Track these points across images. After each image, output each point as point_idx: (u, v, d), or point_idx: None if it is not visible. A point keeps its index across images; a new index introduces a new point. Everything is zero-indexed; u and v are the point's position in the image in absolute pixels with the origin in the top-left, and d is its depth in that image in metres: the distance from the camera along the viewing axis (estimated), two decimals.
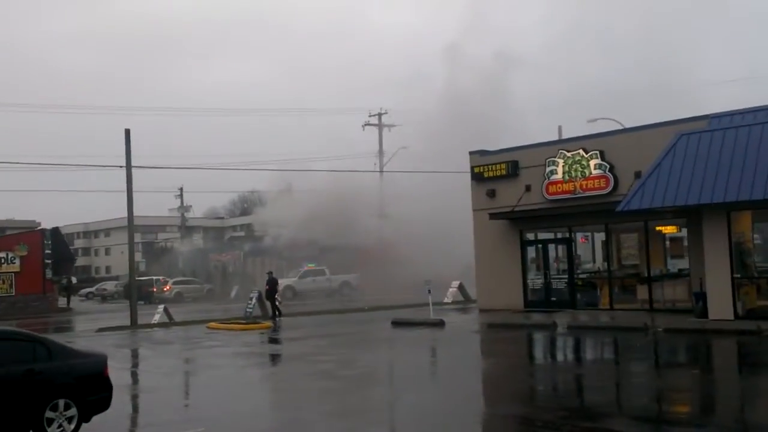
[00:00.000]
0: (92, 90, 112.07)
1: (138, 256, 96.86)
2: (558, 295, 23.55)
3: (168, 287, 50.44)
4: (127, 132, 28.84)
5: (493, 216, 24.44)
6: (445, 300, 34.04)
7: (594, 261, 24.11)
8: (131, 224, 29.05)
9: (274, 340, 21.24)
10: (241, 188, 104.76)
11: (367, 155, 55.82)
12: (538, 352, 17.40)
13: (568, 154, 22.93)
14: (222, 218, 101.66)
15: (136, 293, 49.91)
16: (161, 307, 28.34)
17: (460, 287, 34.84)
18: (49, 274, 40.48)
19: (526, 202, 24.09)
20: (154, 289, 50.09)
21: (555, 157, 23.25)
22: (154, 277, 53.26)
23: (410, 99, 70.06)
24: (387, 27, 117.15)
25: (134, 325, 26.78)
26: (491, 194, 25.29)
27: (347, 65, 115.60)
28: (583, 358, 16.36)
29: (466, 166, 28.98)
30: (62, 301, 44.07)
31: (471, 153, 26.33)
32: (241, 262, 55.18)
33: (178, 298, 46.36)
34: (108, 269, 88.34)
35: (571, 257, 23.42)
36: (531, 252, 24.74)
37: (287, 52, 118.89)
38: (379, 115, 57.63)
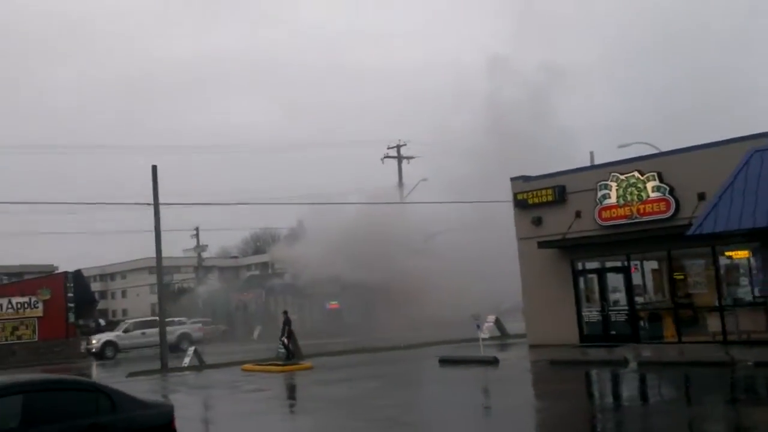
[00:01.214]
0: (97, 130, 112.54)
1: (154, 298, 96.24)
2: (618, 329, 22.03)
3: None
4: (154, 168, 27.99)
5: (542, 245, 23.13)
6: (481, 335, 32.58)
7: (648, 291, 22.60)
8: (159, 263, 27.98)
9: (320, 383, 19.78)
10: (254, 226, 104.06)
11: (387, 188, 54.93)
12: (621, 393, 15.73)
13: (622, 177, 21.71)
14: (236, 257, 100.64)
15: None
16: (191, 350, 27.00)
17: (497, 322, 33.41)
18: (71, 317, 39.49)
19: (577, 229, 22.79)
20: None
21: (607, 181, 22.03)
22: (175, 319, 52.05)
23: (436, 129, 69.44)
24: (405, 60, 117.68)
25: (165, 368, 25.43)
26: (537, 222, 24.03)
27: (366, 101, 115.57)
28: (679, 399, 14.57)
29: (500, 194, 27.88)
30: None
31: (513, 179, 25.16)
32: (263, 301, 53.89)
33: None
34: (125, 312, 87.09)
35: (630, 287, 21.96)
36: (584, 282, 23.31)
37: (296, 90, 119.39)
38: (398, 147, 56.90)
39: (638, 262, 22.17)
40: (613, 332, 22.05)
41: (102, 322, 53.52)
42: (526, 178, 24.70)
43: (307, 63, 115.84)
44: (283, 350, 26.60)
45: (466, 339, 30.80)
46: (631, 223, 21.51)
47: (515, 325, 32.03)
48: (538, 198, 23.88)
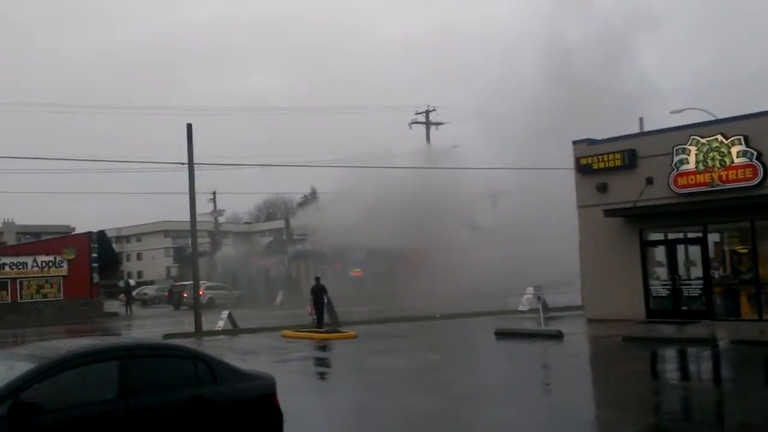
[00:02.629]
0: (117, 93, 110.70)
1: (169, 261, 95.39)
2: (690, 304, 20.48)
3: (201, 292, 47.89)
4: (189, 127, 26.29)
5: (609, 213, 21.47)
6: (521, 308, 31.16)
7: (725, 265, 20.96)
8: (194, 225, 26.58)
9: (374, 353, 18.35)
10: (268, 191, 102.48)
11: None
12: (724, 376, 14.13)
13: (703, 141, 19.93)
14: (249, 223, 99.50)
15: (176, 299, 48.37)
16: (225, 313, 25.69)
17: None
18: (95, 278, 38.66)
19: (648, 196, 21.10)
20: (185, 295, 47.72)
21: (686, 144, 20.26)
22: (187, 283, 50.99)
23: (486, 89, 66.52)
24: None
25: (199, 331, 24.17)
26: (602, 188, 22.33)
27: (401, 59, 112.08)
28: None
29: (554, 160, 26.09)
30: (109, 306, 42.07)
31: (576, 142, 23.40)
32: (285, 267, 52.59)
33: (210, 304, 43.57)
34: (140, 274, 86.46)
35: (707, 260, 20.32)
36: (654, 254, 21.70)
37: (323, 56, 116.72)
38: (427, 112, 54.95)
39: (717, 233, 20.52)
40: (685, 308, 20.51)
41: (132, 281, 52.60)
42: (590, 141, 22.95)
43: (334, 27, 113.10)
44: (314, 318, 25.14)
45: (504, 311, 29.46)
46: (711, 191, 19.81)
47: (555, 298, 30.65)
48: (604, 163, 22.16)
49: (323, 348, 19.70)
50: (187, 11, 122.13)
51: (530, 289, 32.26)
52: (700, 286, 20.36)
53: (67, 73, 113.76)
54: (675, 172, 20.49)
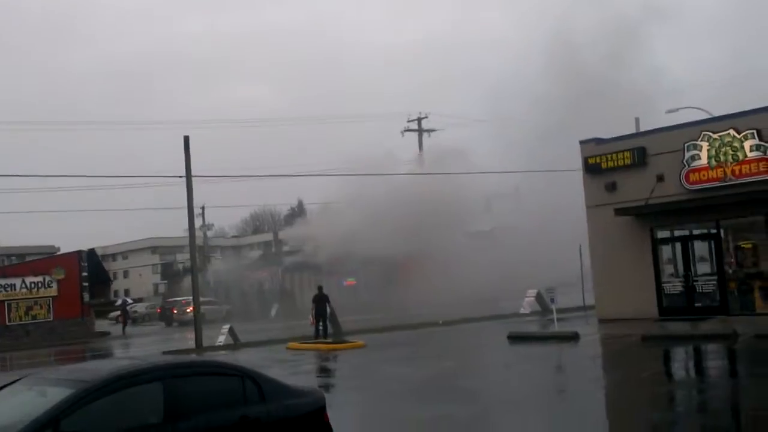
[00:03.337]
0: (100, 108, 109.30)
1: (157, 278, 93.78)
2: (704, 300, 20.12)
3: (191, 308, 46.93)
4: (186, 139, 25.66)
5: (620, 212, 21.08)
6: (522, 311, 30.77)
7: (739, 260, 20.59)
8: (193, 239, 25.91)
9: (387, 362, 17.71)
10: (255, 203, 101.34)
11: (407, 162, 52.52)
12: (756, 370, 13.65)
13: (715, 136, 19.65)
14: (237, 236, 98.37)
15: (168, 315, 47.28)
16: (226, 328, 24.94)
17: (538, 296, 31.59)
18: (86, 297, 37.73)
19: (659, 194, 20.75)
20: (174, 311, 46.72)
21: (697, 140, 19.96)
22: (181, 299, 49.95)
23: (488, 95, 65.56)
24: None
25: (200, 347, 23.38)
26: (611, 187, 21.96)
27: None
28: None
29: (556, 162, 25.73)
30: (100, 326, 40.93)
31: (583, 142, 23.04)
32: (279, 278, 51.74)
33: (201, 319, 42.40)
34: (127, 292, 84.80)
35: (720, 255, 19.98)
36: (666, 251, 21.33)
37: (310, 66, 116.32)
38: (419, 119, 54.71)
39: (730, 228, 20.20)
40: (698, 304, 20.14)
41: (129, 300, 51.34)
42: (598, 141, 22.60)
43: (322, 40, 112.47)
44: (320, 328, 24.40)
45: (504, 314, 28.95)
46: (724, 186, 19.50)
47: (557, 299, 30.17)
48: (613, 162, 21.80)
49: (333, 359, 19.04)
50: (170, 25, 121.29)
51: (531, 292, 31.99)
52: (714, 282, 20.01)
53: (49, 89, 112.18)
54: (687, 169, 20.17)
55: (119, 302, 44.06)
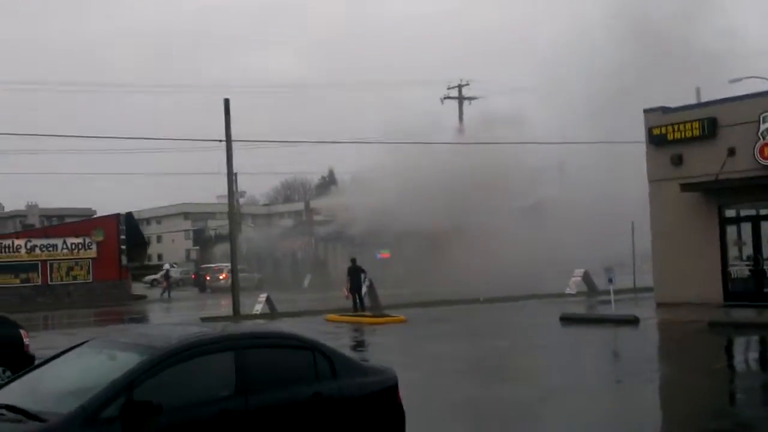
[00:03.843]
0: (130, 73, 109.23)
1: (189, 244, 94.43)
2: None
3: (224, 275, 46.69)
4: (227, 102, 24.82)
5: (686, 187, 19.63)
6: (568, 291, 29.56)
7: None
8: (231, 204, 25.34)
9: (433, 339, 16.77)
10: (289, 171, 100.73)
11: (447, 131, 50.80)
12: None
13: None
14: (268, 205, 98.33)
15: (201, 282, 47.12)
16: (263, 296, 24.28)
17: (585, 276, 30.33)
18: (124, 260, 37.93)
19: (730, 169, 19.22)
20: (207, 278, 46.50)
21: None
22: (214, 265, 49.82)
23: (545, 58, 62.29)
24: None
25: (237, 314, 22.78)
26: (677, 160, 20.47)
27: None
28: None
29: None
30: (136, 289, 40.99)
31: (647, 111, 21.50)
32: (312, 248, 51.14)
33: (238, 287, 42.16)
34: (160, 257, 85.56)
35: None
36: (734, 232, 19.87)
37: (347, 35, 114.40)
38: (460, 86, 53.02)
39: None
40: None
41: (174, 265, 51.58)
42: (665, 110, 21.06)
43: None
44: (357, 301, 23.53)
45: (549, 294, 27.77)
46: None
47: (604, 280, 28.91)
48: (681, 133, 20.27)
49: (375, 333, 18.18)
50: None
51: (578, 271, 30.71)
52: None
53: (81, 55, 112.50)
54: (762, 142, 18.59)
55: (164, 267, 44.34)
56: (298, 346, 5.65)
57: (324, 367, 5.54)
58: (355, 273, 23.79)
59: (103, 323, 24.61)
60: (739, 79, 29.28)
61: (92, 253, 36.76)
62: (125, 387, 4.76)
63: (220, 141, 25.01)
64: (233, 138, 24.68)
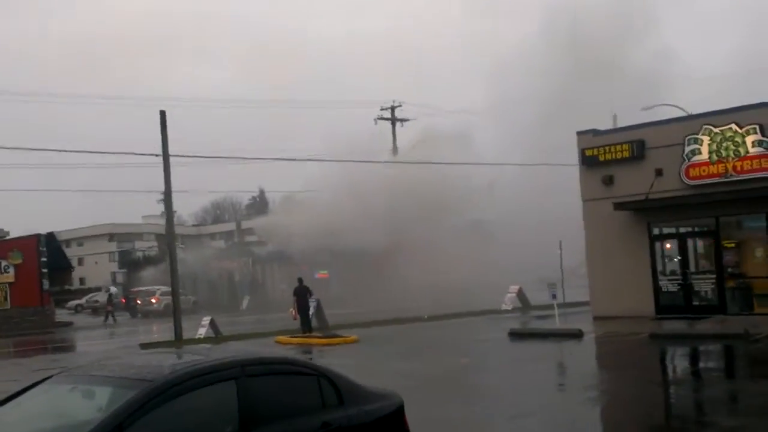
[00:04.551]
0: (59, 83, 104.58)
1: (114, 267, 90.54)
2: (702, 299, 19.99)
3: (156, 298, 45.25)
4: (163, 114, 24.31)
5: (619, 206, 20.76)
6: (504, 306, 30.43)
7: (739, 258, 20.49)
8: (170, 223, 24.66)
9: (390, 357, 16.95)
10: (220, 190, 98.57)
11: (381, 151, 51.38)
12: None
13: (716, 130, 19.46)
14: (197, 225, 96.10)
15: (132, 306, 45.40)
16: (207, 320, 23.77)
17: (519, 292, 31.31)
18: (46, 284, 35.66)
19: (658, 188, 20.50)
20: (138, 302, 44.91)
21: (698, 134, 19.74)
22: (144, 288, 48.17)
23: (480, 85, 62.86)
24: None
25: (180, 340, 22.20)
26: (608, 181, 21.64)
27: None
28: None
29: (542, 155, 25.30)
30: (59, 315, 38.94)
31: (580, 133, 22.65)
32: (250, 270, 50.37)
33: (167, 311, 40.69)
34: (82, 281, 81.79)
35: (719, 254, 19.85)
36: (663, 248, 21.13)
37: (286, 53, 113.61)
38: (392, 108, 53.89)
39: (729, 226, 20.09)
40: (696, 303, 20.00)
41: (114, 289, 49.07)
42: (596, 132, 22.25)
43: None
44: (306, 323, 23.48)
45: (485, 310, 28.56)
46: (724, 182, 19.33)
47: (536, 295, 30.03)
48: (611, 154, 21.46)
49: (329, 354, 18.16)
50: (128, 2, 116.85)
51: (513, 288, 31.69)
52: (713, 281, 19.88)
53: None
54: (687, 163, 19.95)
55: (109, 290, 41.85)
56: (303, 372, 5.30)
57: (330, 395, 5.25)
58: (302, 293, 23.70)
59: (29, 354, 23.29)
60: (651, 107, 31.01)
61: (9, 277, 34.41)
62: (114, 430, 4.08)
63: (157, 156, 24.44)
64: (160, 153, 24.11)
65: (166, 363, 4.99)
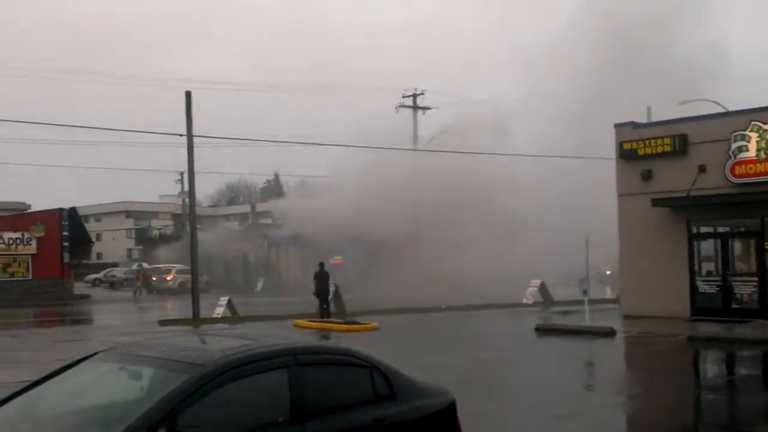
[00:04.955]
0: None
1: (131, 243, 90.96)
2: (741, 302, 19.15)
3: (172, 276, 45.05)
4: (188, 95, 23.82)
5: (657, 202, 19.92)
6: (524, 300, 29.74)
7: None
8: (192, 202, 24.20)
9: (416, 347, 16.30)
10: (235, 172, 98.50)
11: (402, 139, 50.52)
12: None
13: (765, 127, 18.54)
14: (213, 207, 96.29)
15: (148, 282, 45.21)
16: (224, 300, 23.30)
17: (542, 287, 30.56)
18: (66, 258, 35.75)
19: (700, 185, 19.63)
20: (154, 278, 44.71)
21: (745, 131, 18.83)
22: (161, 266, 48.05)
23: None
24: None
25: (197, 318, 21.76)
26: (647, 175, 20.78)
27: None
28: None
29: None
30: (77, 289, 38.97)
31: (618, 126, 21.79)
32: (265, 251, 49.99)
33: (182, 289, 40.21)
34: (99, 256, 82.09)
35: (762, 256, 18.96)
36: (703, 248, 20.27)
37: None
38: (414, 96, 53.05)
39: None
40: (736, 306, 19.15)
41: (145, 265, 49.14)
42: (635, 125, 21.39)
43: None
44: (324, 307, 22.99)
45: (505, 303, 27.82)
46: None
47: (562, 291, 29.34)
48: (651, 148, 20.59)
49: (351, 340, 17.57)
50: None
51: (535, 282, 30.94)
52: (754, 284, 19.01)
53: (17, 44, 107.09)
54: (732, 160, 19.05)
55: (135, 267, 41.96)
56: (355, 363, 4.97)
57: (382, 388, 4.91)
58: (322, 278, 23.20)
59: (45, 324, 23.07)
60: (688, 102, 29.92)
61: (32, 249, 34.55)
62: (166, 415, 3.87)
63: (181, 136, 23.99)
64: (185, 134, 23.66)
65: (216, 347, 4.70)
